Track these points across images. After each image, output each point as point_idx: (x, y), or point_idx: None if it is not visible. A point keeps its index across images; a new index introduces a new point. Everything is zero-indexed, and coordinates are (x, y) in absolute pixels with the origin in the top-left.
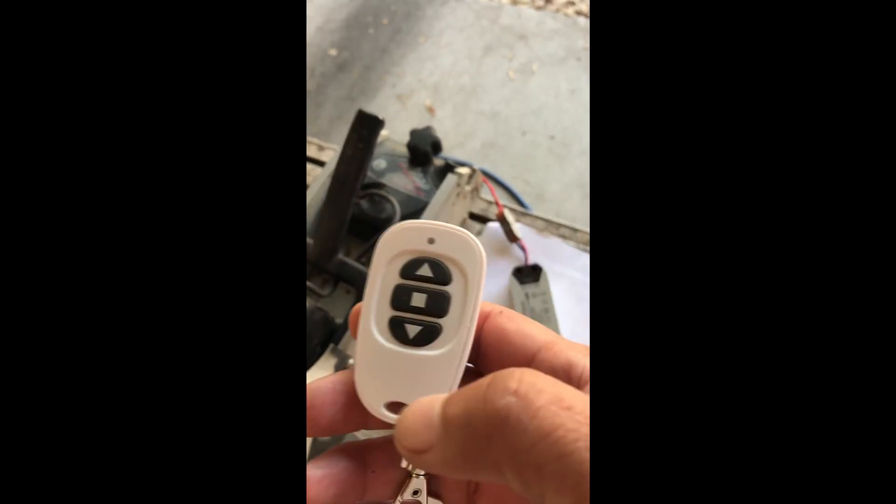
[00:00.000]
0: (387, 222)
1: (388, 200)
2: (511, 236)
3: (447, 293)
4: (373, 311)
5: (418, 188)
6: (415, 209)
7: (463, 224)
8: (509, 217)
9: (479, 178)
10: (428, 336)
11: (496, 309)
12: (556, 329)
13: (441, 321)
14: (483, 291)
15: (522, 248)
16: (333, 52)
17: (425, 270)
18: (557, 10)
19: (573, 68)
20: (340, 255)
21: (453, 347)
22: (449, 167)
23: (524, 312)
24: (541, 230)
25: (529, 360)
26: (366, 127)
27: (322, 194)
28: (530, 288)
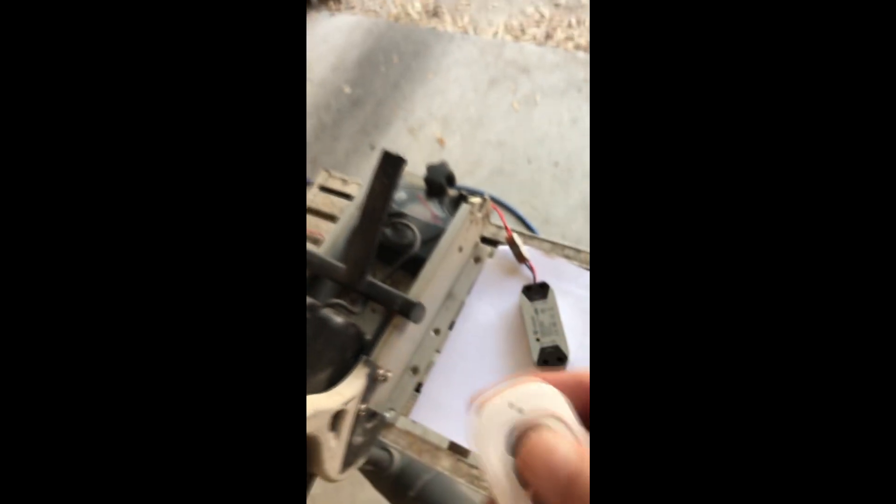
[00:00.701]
0: (408, 247)
1: (410, 228)
2: (520, 257)
3: None
4: (511, 499)
5: (435, 216)
6: (433, 235)
7: (475, 247)
8: (518, 240)
9: (490, 205)
10: None
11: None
12: (563, 340)
13: None
14: (581, 426)
15: (531, 269)
16: (347, 89)
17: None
18: (557, 45)
19: (574, 99)
20: (369, 277)
21: None
22: (462, 197)
23: (534, 326)
24: (547, 252)
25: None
26: (390, 165)
27: (351, 223)
28: (539, 304)
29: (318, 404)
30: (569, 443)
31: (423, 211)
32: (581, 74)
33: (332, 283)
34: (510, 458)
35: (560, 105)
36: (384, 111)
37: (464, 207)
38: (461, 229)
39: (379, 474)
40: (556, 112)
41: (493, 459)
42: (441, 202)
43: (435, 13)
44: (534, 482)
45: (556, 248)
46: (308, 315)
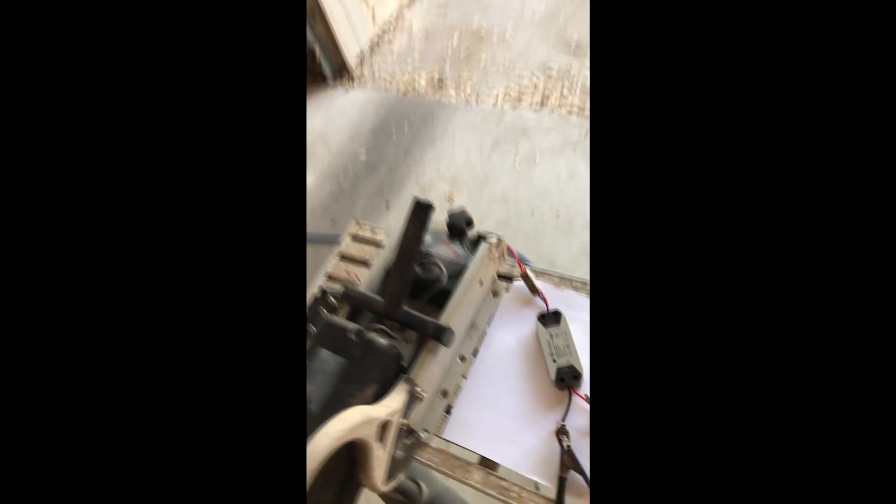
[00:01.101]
0: (436, 282)
1: (437, 265)
2: (533, 290)
3: None
4: None
5: (457, 255)
6: (457, 271)
7: (493, 282)
8: (530, 274)
9: (504, 245)
10: None
11: None
12: (577, 359)
13: None
14: None
15: (543, 299)
16: (363, 156)
17: None
18: (552, 110)
19: (570, 157)
20: (404, 308)
21: None
22: (481, 237)
23: (550, 349)
24: (557, 284)
25: None
26: (421, 210)
27: (385, 264)
28: (553, 329)
29: (370, 412)
30: None
31: (446, 251)
32: (575, 135)
33: (372, 315)
34: None
35: (558, 162)
36: (397, 174)
37: (483, 245)
38: (481, 265)
39: None
40: (555, 169)
41: None
42: (462, 243)
43: (440, 85)
44: None
45: (564, 281)
46: (356, 338)
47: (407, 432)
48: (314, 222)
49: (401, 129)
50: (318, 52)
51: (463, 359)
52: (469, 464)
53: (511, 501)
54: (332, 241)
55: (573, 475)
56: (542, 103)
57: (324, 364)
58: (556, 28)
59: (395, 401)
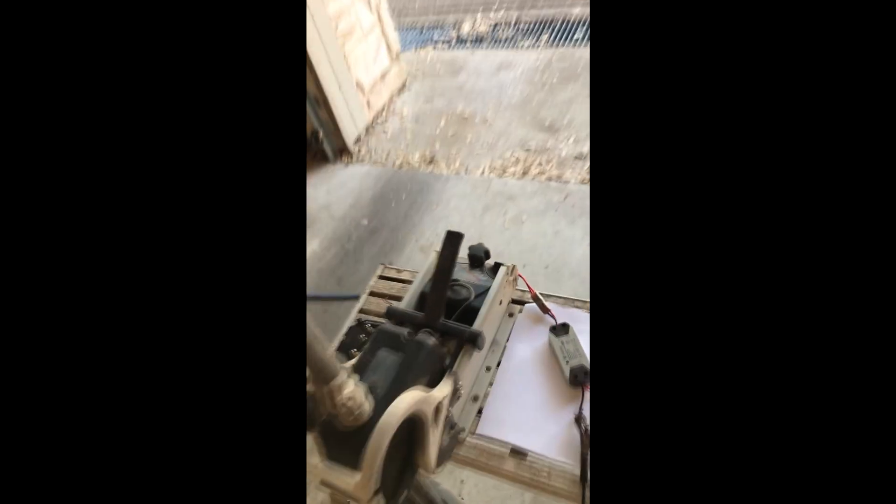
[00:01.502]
0: (465, 300)
1: (465, 287)
2: (543, 309)
3: None
4: None
5: (479, 280)
6: (481, 291)
7: (509, 305)
8: (540, 296)
9: (517, 272)
10: None
11: None
12: (586, 360)
13: None
14: None
15: (552, 316)
16: (365, 221)
17: None
18: (533, 178)
19: (553, 216)
20: (442, 320)
21: None
22: (497, 265)
23: (563, 354)
24: (562, 304)
25: None
26: (453, 238)
27: (419, 288)
28: (563, 338)
29: (426, 394)
30: None
31: (469, 276)
32: (555, 199)
33: (414, 327)
34: None
35: (543, 222)
36: (398, 236)
37: (502, 269)
38: (501, 285)
39: None
40: (541, 227)
41: None
42: (481, 270)
43: (431, 161)
44: None
45: (568, 301)
46: (408, 338)
47: (450, 425)
48: (322, 283)
49: (399, 197)
50: (321, 134)
51: (488, 369)
52: (502, 456)
53: (542, 480)
54: (341, 298)
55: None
56: (525, 173)
57: (383, 360)
58: (531, 111)
59: (442, 390)
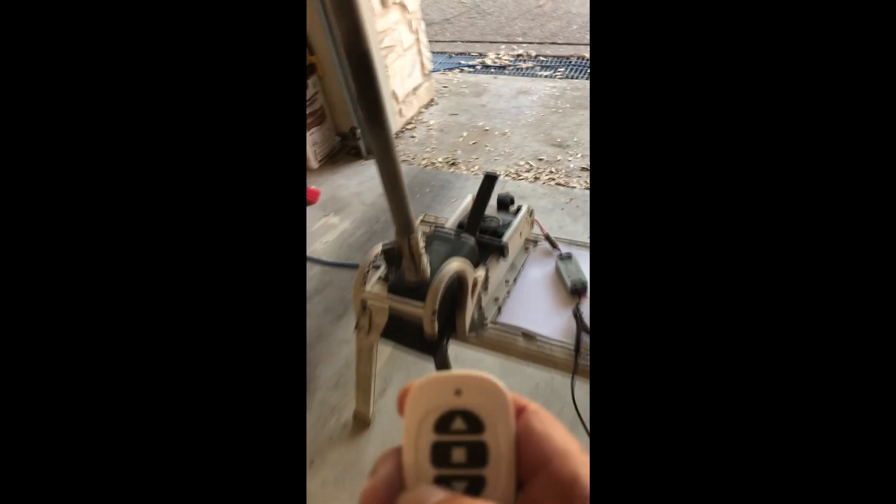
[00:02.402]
0: (494, 229)
1: (495, 219)
2: (553, 244)
3: (485, 443)
4: (415, 469)
5: (504, 218)
6: (507, 224)
7: (525, 241)
8: (550, 235)
9: (534, 216)
10: (475, 489)
11: (531, 407)
12: (585, 278)
13: (484, 472)
14: (514, 429)
15: (559, 250)
16: None
17: (459, 423)
18: (543, 183)
19: (559, 214)
20: (478, 234)
21: (502, 494)
22: (519, 206)
23: (566, 273)
24: (568, 245)
25: (545, 463)
26: (490, 179)
27: (458, 219)
28: (567, 263)
29: (467, 265)
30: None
31: (497, 215)
32: (562, 200)
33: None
34: (431, 435)
35: (550, 217)
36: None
37: (523, 208)
38: (522, 221)
39: None
40: (547, 222)
41: (413, 428)
42: (507, 212)
43: (453, 164)
44: None
45: (573, 243)
46: (455, 234)
47: (479, 305)
48: (352, 255)
49: (423, 191)
50: (358, 132)
51: (507, 282)
52: (515, 337)
53: (545, 353)
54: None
55: (584, 336)
56: (536, 178)
57: (437, 248)
58: (545, 130)
59: (478, 273)
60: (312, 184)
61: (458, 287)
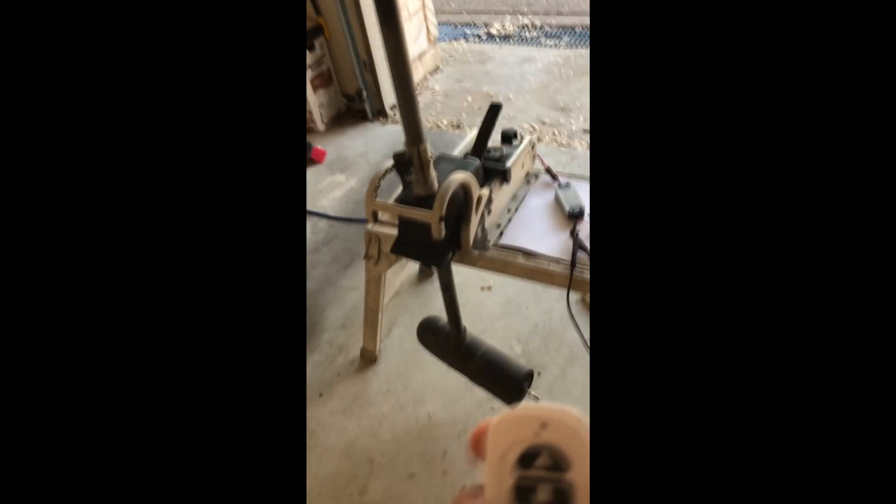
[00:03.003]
0: (498, 159)
1: (500, 149)
2: (553, 176)
3: (572, 482)
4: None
5: (508, 150)
6: (510, 154)
7: (528, 173)
8: (552, 168)
9: (536, 149)
10: None
11: None
12: (582, 204)
13: None
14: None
15: (559, 181)
16: None
17: (544, 460)
18: (546, 144)
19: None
20: (484, 160)
21: None
22: (522, 138)
23: (566, 199)
24: (568, 177)
25: None
26: (494, 108)
27: (464, 150)
28: (567, 191)
29: (477, 184)
30: None
31: (501, 147)
32: (564, 159)
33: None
34: (514, 470)
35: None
36: None
37: (526, 139)
38: (525, 150)
39: (452, 345)
40: None
41: (496, 462)
42: (510, 145)
43: (458, 126)
44: None
45: (573, 176)
46: (461, 158)
47: (483, 225)
48: (358, 210)
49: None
50: (364, 94)
51: (509, 210)
52: (516, 256)
53: (543, 268)
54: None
55: (580, 253)
56: (539, 139)
57: (444, 167)
58: (548, 95)
59: (483, 191)
60: (318, 145)
61: (463, 200)
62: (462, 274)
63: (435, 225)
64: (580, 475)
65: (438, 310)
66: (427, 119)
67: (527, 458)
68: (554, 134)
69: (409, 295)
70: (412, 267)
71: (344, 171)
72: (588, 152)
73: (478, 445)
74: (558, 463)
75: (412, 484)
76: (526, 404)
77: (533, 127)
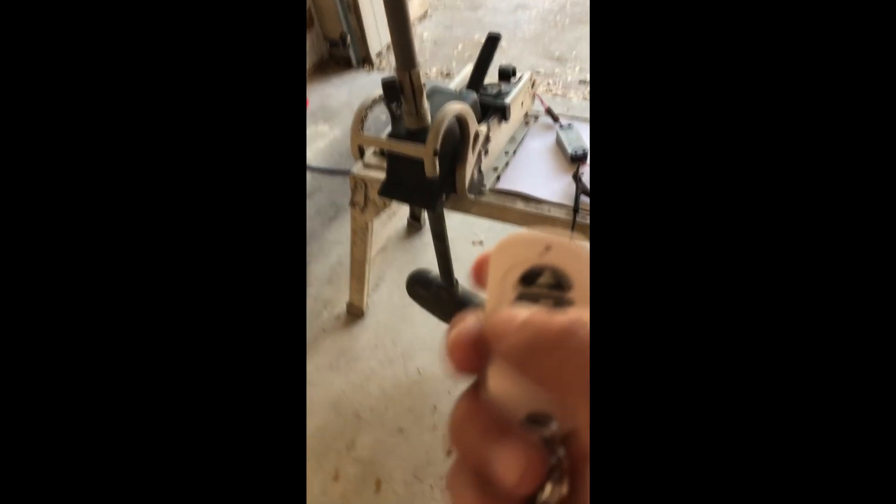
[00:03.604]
0: (496, 96)
1: (498, 86)
2: (554, 117)
3: (572, 301)
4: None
5: (506, 88)
6: (509, 91)
7: (527, 113)
8: (552, 110)
9: (535, 90)
10: None
11: None
12: (585, 145)
13: None
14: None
15: (560, 123)
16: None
17: (546, 278)
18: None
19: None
20: (481, 93)
21: None
22: (521, 77)
23: (567, 141)
24: (569, 119)
25: None
26: (492, 39)
27: (461, 83)
28: (568, 132)
29: (474, 118)
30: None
31: (500, 84)
32: (559, 110)
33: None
34: (515, 287)
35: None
36: None
37: (525, 75)
38: (523, 89)
39: (444, 298)
40: None
41: (497, 279)
42: (508, 82)
43: (447, 74)
44: (497, 348)
45: (574, 117)
46: (456, 92)
47: (479, 167)
48: (342, 161)
49: None
50: (348, 39)
51: (507, 153)
52: (514, 201)
53: (544, 213)
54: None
55: (583, 197)
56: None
57: (437, 100)
58: (543, 44)
59: (481, 128)
60: None
61: (459, 136)
62: (452, 228)
63: (428, 160)
64: (580, 295)
65: (427, 264)
66: None
67: (529, 278)
68: (549, 84)
69: (396, 249)
70: (400, 220)
71: (328, 121)
72: (585, 103)
73: (480, 274)
74: (560, 283)
75: (401, 438)
76: (533, 231)
77: None
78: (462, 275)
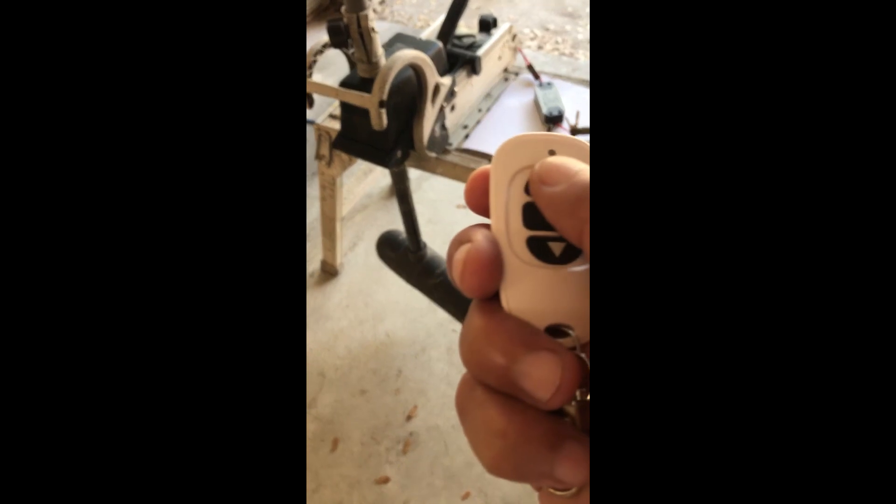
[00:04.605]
0: (470, 46)
1: (471, 36)
2: (535, 75)
3: None
4: (506, 233)
5: (484, 39)
6: (484, 43)
7: (505, 69)
8: (535, 66)
9: (517, 43)
10: (574, 251)
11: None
12: (561, 105)
13: None
14: None
15: (541, 80)
16: None
17: None
18: (547, 53)
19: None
20: (451, 45)
21: None
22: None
23: (544, 101)
24: (552, 77)
25: None
26: None
27: (433, 32)
28: (547, 91)
29: (433, 69)
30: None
31: (479, 37)
32: (563, 70)
33: None
34: (522, 196)
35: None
36: None
37: (504, 25)
38: (500, 41)
39: (411, 261)
40: None
41: (502, 189)
42: (488, 33)
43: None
44: (544, 191)
45: (557, 76)
46: (421, 41)
47: (442, 123)
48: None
49: None
50: None
51: (480, 111)
52: (481, 163)
53: None
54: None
55: None
56: (540, 47)
57: (398, 47)
58: None
59: (443, 80)
60: None
61: (417, 88)
62: (436, 189)
63: (374, 110)
64: None
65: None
66: (418, 18)
67: None
68: (557, 42)
69: (378, 209)
70: (383, 177)
71: (322, 71)
72: None
73: (476, 191)
74: None
75: (362, 400)
76: (537, 132)
77: (534, 33)
78: (440, 242)
